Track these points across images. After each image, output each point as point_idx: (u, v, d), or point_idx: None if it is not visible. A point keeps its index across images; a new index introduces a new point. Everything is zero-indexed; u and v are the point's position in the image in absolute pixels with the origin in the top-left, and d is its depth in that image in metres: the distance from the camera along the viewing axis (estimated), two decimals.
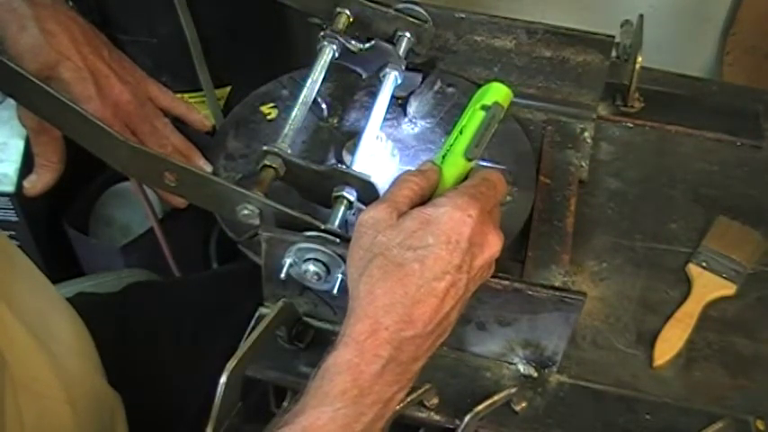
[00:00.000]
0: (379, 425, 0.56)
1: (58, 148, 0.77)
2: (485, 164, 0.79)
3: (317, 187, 0.71)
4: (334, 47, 0.80)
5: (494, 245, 0.58)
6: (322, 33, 0.80)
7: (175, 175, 0.67)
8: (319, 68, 0.78)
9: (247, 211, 0.67)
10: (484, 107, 0.64)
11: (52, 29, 0.72)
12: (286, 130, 0.74)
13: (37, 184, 0.78)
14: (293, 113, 0.75)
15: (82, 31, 0.75)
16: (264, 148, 0.70)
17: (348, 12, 0.83)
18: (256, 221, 0.68)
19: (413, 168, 0.64)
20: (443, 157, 0.64)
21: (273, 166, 0.70)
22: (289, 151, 0.71)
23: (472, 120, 0.64)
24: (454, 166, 0.63)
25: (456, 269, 0.56)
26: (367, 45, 0.80)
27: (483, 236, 0.57)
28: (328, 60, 0.79)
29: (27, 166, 1.13)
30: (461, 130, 0.64)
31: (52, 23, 0.72)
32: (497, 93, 0.65)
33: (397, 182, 0.61)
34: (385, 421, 0.56)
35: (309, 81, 0.77)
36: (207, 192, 0.68)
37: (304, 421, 0.53)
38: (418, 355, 0.56)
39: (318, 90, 0.78)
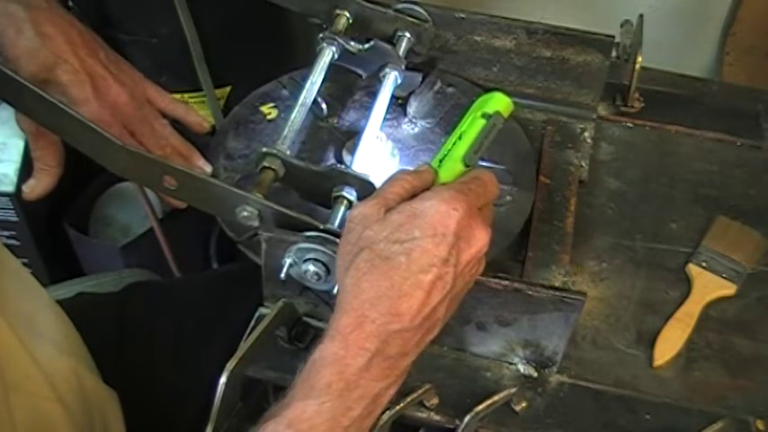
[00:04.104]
0: (368, 422, 0.55)
1: (57, 152, 0.77)
2: (484, 164, 0.79)
3: (316, 188, 0.71)
4: (334, 48, 0.80)
5: (480, 240, 0.58)
6: (321, 35, 0.80)
7: (175, 178, 0.68)
8: (318, 70, 0.79)
9: (247, 213, 0.67)
10: (485, 115, 0.65)
11: (49, 32, 0.72)
12: (285, 132, 0.74)
13: (36, 188, 0.78)
14: (292, 115, 0.75)
15: (79, 34, 0.75)
16: (264, 149, 0.70)
17: (347, 13, 0.83)
18: (256, 223, 0.68)
19: (411, 168, 0.64)
20: (441, 160, 0.64)
21: (273, 167, 0.70)
22: (288, 153, 0.71)
23: (472, 126, 0.65)
24: (451, 171, 0.63)
25: (442, 262, 0.55)
26: (366, 45, 0.80)
27: (469, 230, 0.57)
28: (327, 62, 0.79)
29: (27, 166, 1.14)
30: (461, 135, 0.64)
31: (49, 26, 0.73)
32: (499, 102, 0.66)
33: (389, 179, 0.61)
34: (374, 418, 0.56)
35: (309, 83, 0.78)
36: (206, 194, 0.68)
37: (290, 414, 0.53)
38: (406, 350, 0.56)
39: (318, 90, 0.78)
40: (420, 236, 0.56)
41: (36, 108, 0.68)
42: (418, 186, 0.61)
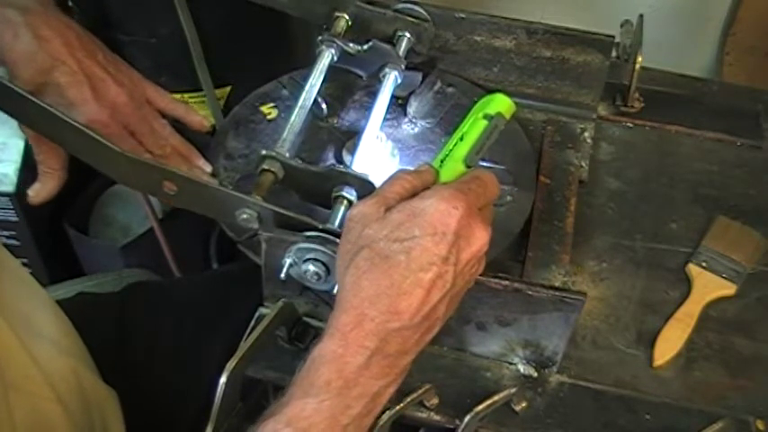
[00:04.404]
0: (367, 420, 0.55)
1: (60, 155, 0.77)
2: (484, 164, 0.79)
3: (316, 189, 0.71)
4: (333, 50, 0.80)
5: (480, 239, 0.58)
6: (320, 38, 0.80)
7: (174, 183, 0.68)
8: (318, 73, 0.79)
9: (246, 216, 0.68)
10: (486, 116, 0.65)
11: (45, 34, 0.73)
12: (285, 135, 0.74)
13: (41, 191, 0.78)
14: (292, 118, 0.75)
15: (76, 36, 0.75)
16: (263, 152, 0.71)
17: (346, 15, 0.83)
18: (256, 225, 0.68)
19: (411, 168, 0.64)
20: (442, 161, 0.64)
21: (272, 170, 0.70)
22: (287, 155, 0.71)
23: (474, 127, 0.65)
24: (452, 171, 0.63)
25: (442, 261, 0.55)
26: (365, 46, 0.80)
27: (469, 229, 0.57)
28: (327, 64, 0.80)
29: (27, 166, 1.14)
30: (462, 136, 0.65)
31: (45, 29, 0.73)
32: (501, 104, 0.66)
33: (390, 179, 0.61)
34: (373, 417, 0.56)
35: (308, 85, 0.78)
36: (206, 199, 0.69)
37: (289, 412, 0.53)
38: (406, 348, 0.56)
39: (318, 90, 0.79)
40: (420, 234, 0.56)
41: (36, 118, 0.69)
42: (418, 186, 0.61)
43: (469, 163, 0.63)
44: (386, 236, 0.56)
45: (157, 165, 0.69)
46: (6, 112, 0.70)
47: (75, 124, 0.67)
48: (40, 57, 0.72)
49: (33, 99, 0.67)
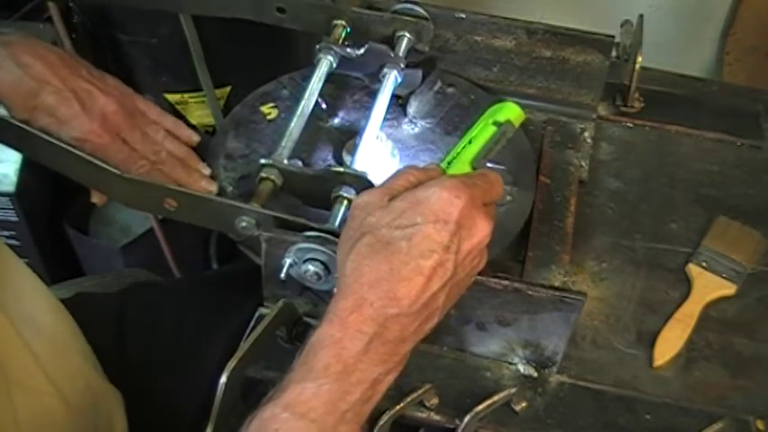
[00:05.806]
0: (366, 408, 0.55)
1: None
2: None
3: (316, 191, 0.71)
4: (331, 58, 0.80)
5: (482, 230, 0.58)
6: (318, 46, 0.80)
7: (175, 199, 0.69)
8: (317, 81, 0.79)
9: (245, 223, 0.68)
10: (496, 123, 0.66)
11: (27, 61, 0.74)
12: (284, 143, 0.74)
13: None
14: (290, 126, 0.75)
15: (57, 57, 0.77)
16: (261, 161, 0.71)
17: (344, 22, 0.83)
18: (255, 232, 0.68)
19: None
20: (449, 162, 0.65)
21: (271, 177, 0.71)
22: (286, 162, 0.72)
23: (483, 132, 0.67)
24: (459, 172, 0.64)
25: (444, 249, 0.56)
26: (362, 50, 0.81)
27: (471, 219, 0.57)
28: (326, 72, 0.80)
29: (27, 166, 1.14)
30: (471, 140, 0.66)
31: (26, 56, 0.74)
32: (511, 112, 0.68)
33: (396, 173, 0.62)
34: (372, 405, 0.56)
35: (307, 93, 0.78)
36: (205, 211, 0.70)
37: (287, 396, 0.53)
38: (405, 335, 0.56)
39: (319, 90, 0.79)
40: (422, 221, 0.56)
41: (36, 147, 0.71)
42: (423, 180, 0.61)
43: (476, 166, 0.65)
44: (388, 223, 0.56)
45: (156, 183, 0.70)
46: (8, 144, 0.73)
47: (74, 151, 0.69)
48: (25, 82, 0.74)
49: (29, 129, 0.70)
